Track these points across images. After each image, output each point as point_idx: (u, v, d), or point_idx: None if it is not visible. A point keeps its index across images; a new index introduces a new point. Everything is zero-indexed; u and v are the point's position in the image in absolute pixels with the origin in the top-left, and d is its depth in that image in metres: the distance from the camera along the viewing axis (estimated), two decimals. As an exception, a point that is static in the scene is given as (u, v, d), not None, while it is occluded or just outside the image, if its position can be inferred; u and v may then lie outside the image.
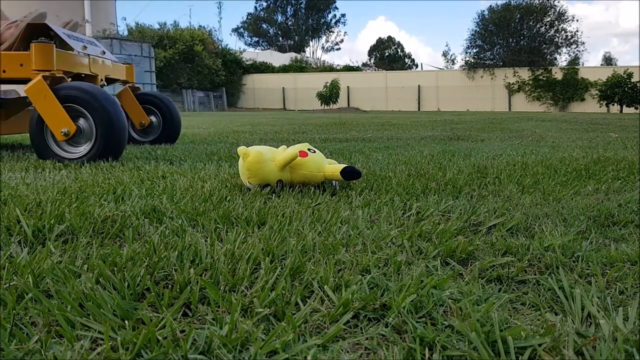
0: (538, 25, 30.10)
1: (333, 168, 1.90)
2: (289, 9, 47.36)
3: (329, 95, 24.61)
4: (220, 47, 29.18)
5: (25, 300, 0.84)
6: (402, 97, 28.19)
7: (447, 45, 52.66)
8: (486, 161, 2.85)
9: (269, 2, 47.48)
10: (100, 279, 0.93)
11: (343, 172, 1.86)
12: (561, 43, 30.23)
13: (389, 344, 0.75)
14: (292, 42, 47.74)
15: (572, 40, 30.01)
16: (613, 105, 22.16)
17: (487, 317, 0.80)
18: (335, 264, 1.06)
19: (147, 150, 3.45)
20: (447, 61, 34.89)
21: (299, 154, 1.89)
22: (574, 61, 29.80)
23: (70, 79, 3.31)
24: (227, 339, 0.72)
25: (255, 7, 48.26)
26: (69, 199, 1.64)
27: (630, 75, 21.35)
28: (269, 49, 44.73)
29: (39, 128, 2.87)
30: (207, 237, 1.25)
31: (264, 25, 48.23)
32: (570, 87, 25.71)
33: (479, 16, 32.37)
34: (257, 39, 48.84)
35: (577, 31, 31.14)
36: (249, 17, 48.50)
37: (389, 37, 51.25)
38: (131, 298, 0.88)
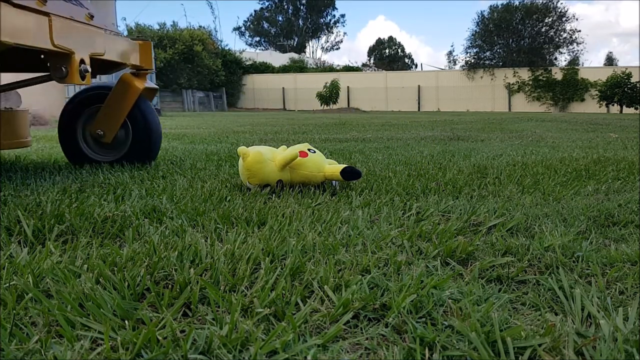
0: (539, 26, 30.12)
1: (333, 168, 1.90)
2: (289, 9, 47.40)
3: (329, 95, 24.62)
4: (220, 47, 29.19)
5: (25, 300, 0.84)
6: (402, 97, 28.21)
7: (452, 46, 52.59)
8: (486, 161, 2.85)
9: (269, 2, 47.55)
10: (100, 279, 0.93)
11: (343, 172, 1.86)
12: (561, 43, 30.26)
13: (389, 344, 0.75)
14: (292, 43, 47.77)
15: (571, 39, 30.05)
16: (613, 105, 22.17)
17: (487, 317, 0.80)
18: (335, 264, 1.06)
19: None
20: (450, 61, 34.91)
21: (299, 154, 1.89)
22: (574, 61, 29.82)
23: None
24: (227, 339, 0.72)
25: (258, 8, 48.31)
26: (69, 199, 1.64)
27: (629, 75, 21.35)
28: (269, 49, 44.77)
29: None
30: (207, 237, 1.25)
31: (265, 25, 48.28)
32: (570, 88, 25.72)
33: (478, 16, 32.36)
34: (258, 38, 48.89)
35: (577, 30, 31.16)
36: (251, 16, 48.58)
37: (389, 37, 51.26)
38: (131, 298, 0.88)
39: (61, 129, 2.66)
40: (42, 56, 2.16)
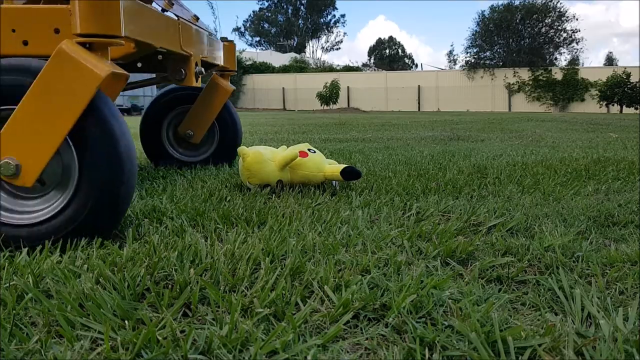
0: (539, 26, 30.13)
1: (333, 168, 1.90)
2: (289, 10, 47.41)
3: (329, 95, 24.60)
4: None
5: (25, 300, 0.84)
6: (402, 97, 28.18)
7: (452, 45, 52.26)
8: (486, 161, 2.85)
9: (269, 2, 47.56)
10: (100, 279, 0.93)
11: (343, 172, 1.86)
12: (561, 43, 30.27)
13: (389, 344, 0.75)
14: (292, 43, 47.77)
15: (571, 39, 30.06)
16: (613, 105, 22.16)
17: (487, 317, 0.80)
18: (335, 264, 1.06)
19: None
20: (450, 61, 34.86)
21: (299, 154, 1.89)
22: (574, 61, 29.82)
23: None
24: (227, 339, 0.72)
25: (257, 8, 48.31)
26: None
27: (629, 75, 21.35)
28: (269, 49, 44.76)
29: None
30: (207, 237, 1.25)
31: (265, 25, 48.25)
32: (570, 88, 25.69)
33: (479, 16, 32.36)
34: (258, 38, 48.87)
35: (577, 31, 31.18)
36: (251, 16, 48.56)
37: (390, 37, 51.26)
38: (131, 298, 0.88)
39: (144, 130, 2.62)
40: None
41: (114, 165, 1.18)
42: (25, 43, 1.30)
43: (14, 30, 1.29)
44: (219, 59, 2.48)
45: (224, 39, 2.58)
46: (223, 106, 2.58)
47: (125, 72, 1.28)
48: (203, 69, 2.10)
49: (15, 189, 1.23)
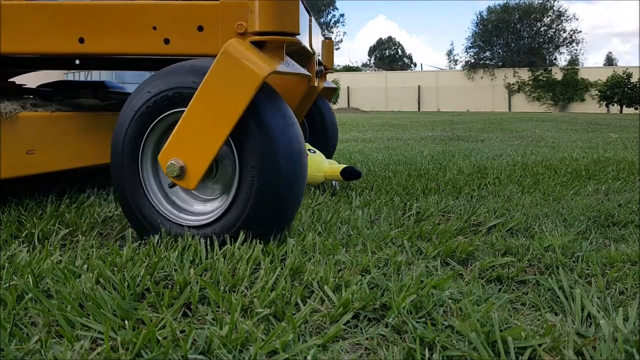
0: (538, 25, 30.15)
1: (333, 168, 1.90)
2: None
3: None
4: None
5: (25, 300, 0.84)
6: (402, 97, 28.19)
7: (452, 45, 52.33)
8: (486, 161, 2.85)
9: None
10: (100, 279, 0.93)
11: (343, 172, 1.86)
12: (560, 43, 30.29)
13: (389, 344, 0.75)
14: (292, 43, 47.66)
15: (571, 39, 30.09)
16: (613, 105, 22.17)
17: (487, 317, 0.80)
18: (335, 264, 1.06)
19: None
20: (450, 61, 34.85)
21: (299, 154, 1.89)
22: (574, 61, 29.84)
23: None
24: (227, 339, 0.72)
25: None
26: (69, 199, 1.64)
27: (629, 75, 21.37)
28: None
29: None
30: (207, 237, 1.25)
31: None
32: (570, 88, 25.71)
33: (477, 17, 32.36)
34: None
35: (577, 32, 31.19)
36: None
37: (389, 37, 51.23)
38: (131, 298, 0.88)
39: None
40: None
41: (272, 167, 1.12)
42: (167, 41, 1.22)
43: (155, 28, 1.22)
44: (320, 55, 2.31)
45: (323, 36, 2.41)
46: (315, 106, 2.42)
47: (307, 73, 1.20)
48: (323, 68, 1.94)
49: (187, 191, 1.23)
